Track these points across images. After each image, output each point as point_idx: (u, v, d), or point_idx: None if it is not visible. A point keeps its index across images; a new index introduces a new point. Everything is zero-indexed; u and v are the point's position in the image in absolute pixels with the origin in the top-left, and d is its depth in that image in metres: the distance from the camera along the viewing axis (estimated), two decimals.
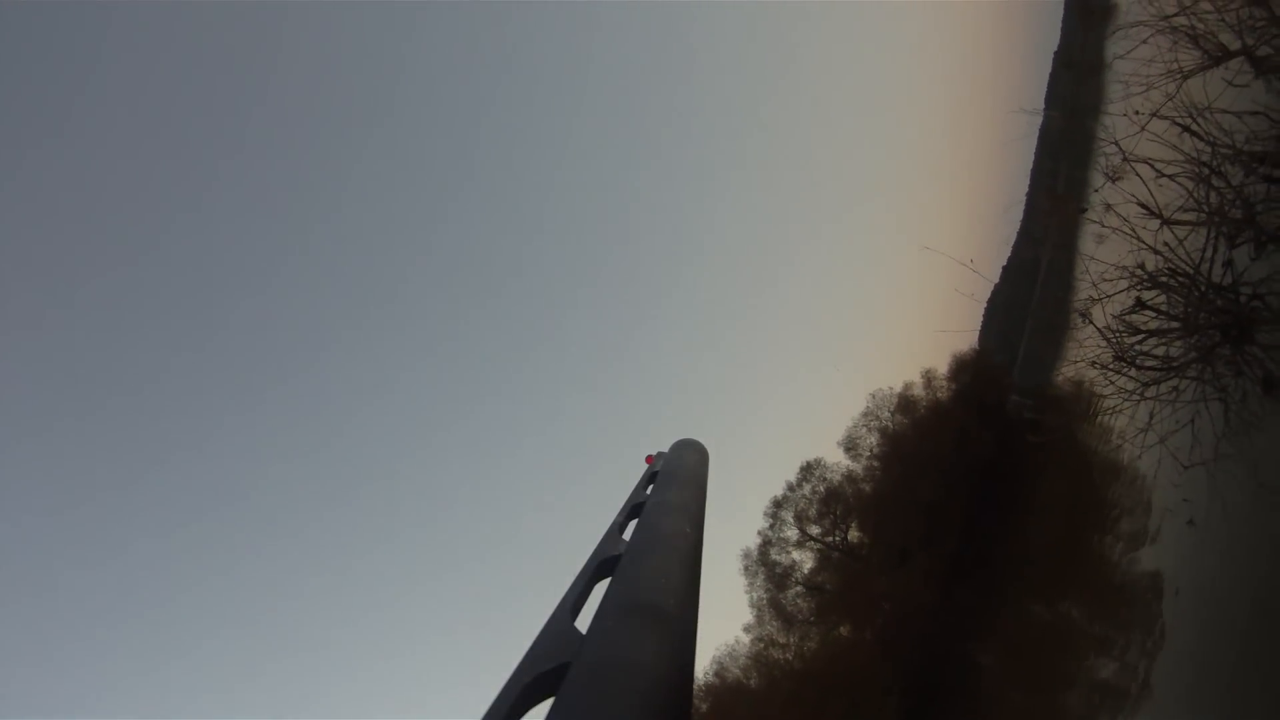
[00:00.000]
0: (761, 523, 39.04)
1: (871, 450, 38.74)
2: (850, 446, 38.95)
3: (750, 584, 38.07)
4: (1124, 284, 15.83)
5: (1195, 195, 14.38)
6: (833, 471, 39.32)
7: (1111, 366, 16.08)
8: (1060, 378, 32.47)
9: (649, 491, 2.53)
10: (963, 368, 38.60)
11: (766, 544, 38.60)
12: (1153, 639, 18.31)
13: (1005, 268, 48.73)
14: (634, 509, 2.38)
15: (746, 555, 38.44)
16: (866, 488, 38.38)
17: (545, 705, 1.30)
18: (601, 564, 1.96)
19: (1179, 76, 14.95)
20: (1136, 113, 15.34)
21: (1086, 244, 21.61)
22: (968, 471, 34.49)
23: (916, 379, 38.83)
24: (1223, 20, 14.47)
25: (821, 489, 39.23)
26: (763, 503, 39.26)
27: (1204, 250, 14.57)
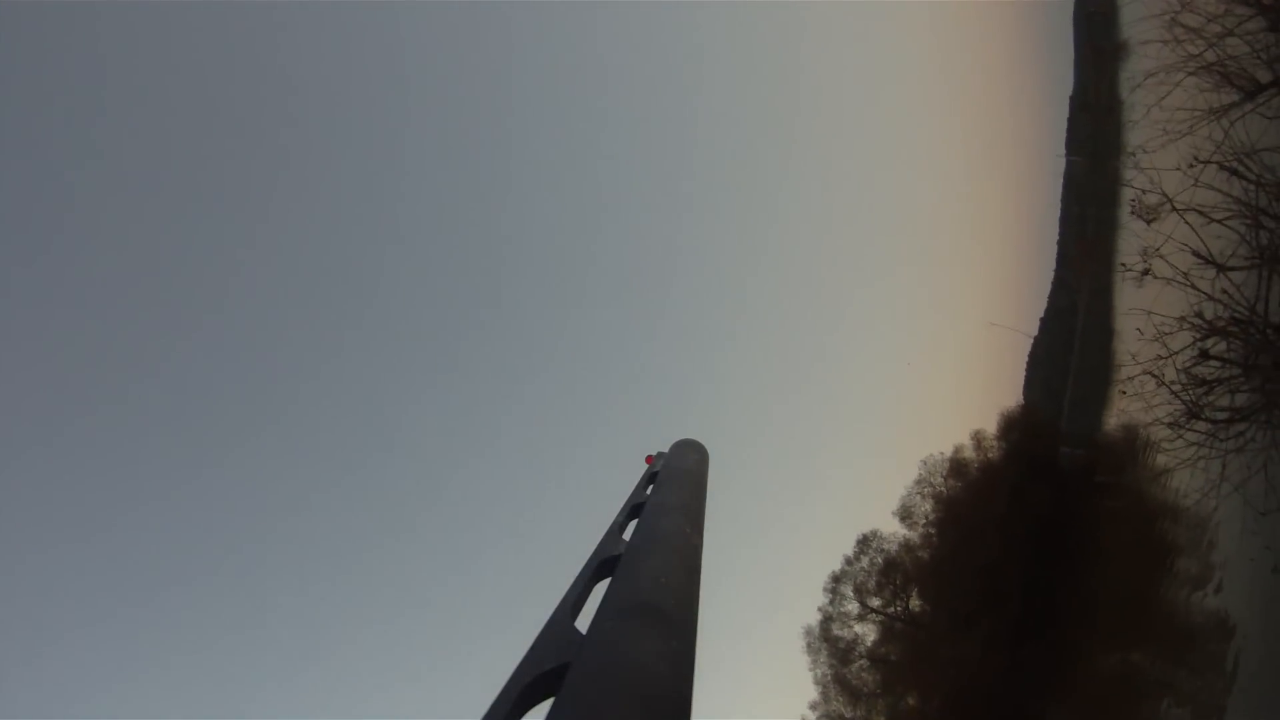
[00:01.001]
0: (821, 599, 38.42)
1: (927, 517, 38.15)
2: (905, 515, 38.35)
3: (814, 661, 37.62)
4: (1185, 335, 15.27)
5: (1246, 238, 13.93)
6: (889, 542, 38.75)
7: (1182, 424, 15.50)
8: (1109, 424, 31.98)
9: (649, 491, 2.56)
10: (1011, 425, 38.16)
11: (827, 620, 38.07)
12: (1223, 680, 17.96)
13: (1043, 318, 48.28)
14: (634, 509, 2.41)
15: (808, 633, 37.95)
16: (924, 555, 37.82)
17: (545, 705, 1.32)
18: (601, 564, 1.98)
19: (1216, 116, 14.52)
20: (1191, 165, 14.86)
21: (1124, 290, 21.17)
22: (1025, 529, 33.75)
23: (966, 441, 38.25)
24: (1256, 56, 14.07)
25: (880, 560, 38.72)
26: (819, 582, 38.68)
27: (1258, 290, 14.06)
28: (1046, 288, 47.88)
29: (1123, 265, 17.49)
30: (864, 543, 38.96)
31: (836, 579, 38.68)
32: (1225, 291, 14.44)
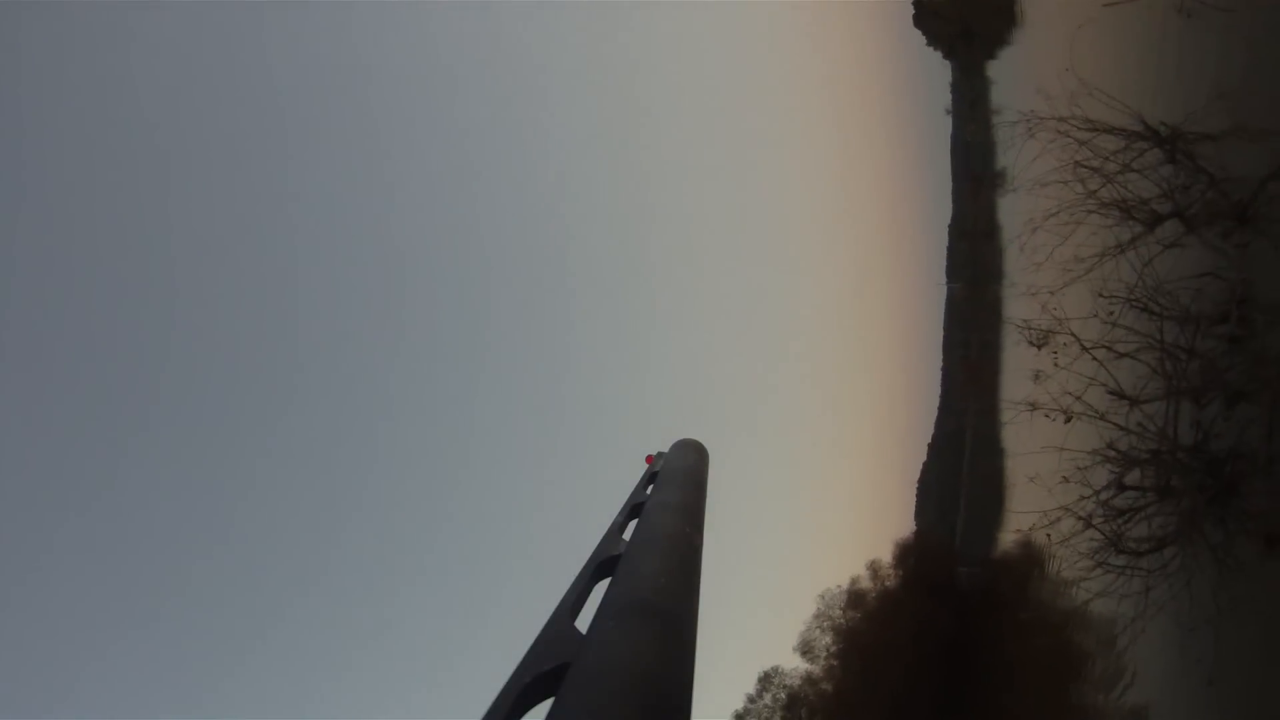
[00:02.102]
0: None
1: (828, 650, 37.99)
2: (806, 650, 38.29)
3: None
4: (1100, 470, 15.30)
5: (1155, 370, 14.03)
6: (790, 677, 38.42)
7: (1101, 560, 15.45)
8: (1005, 541, 32.14)
9: (649, 491, 2.52)
10: (906, 552, 38.40)
11: None
12: None
13: (930, 443, 48.94)
14: (634, 509, 2.37)
15: None
16: (828, 687, 37.55)
17: (545, 705, 1.30)
18: (601, 564, 1.94)
19: (1121, 251, 14.69)
20: (1110, 314, 15.02)
21: (1013, 420, 21.36)
22: (929, 653, 33.62)
23: (862, 571, 38.39)
24: (1158, 189, 14.29)
25: (783, 695, 38.36)
26: None
27: (1166, 414, 14.10)
28: (933, 414, 48.81)
29: (1032, 405, 17.52)
30: (765, 679, 38.72)
31: (739, 717, 38.33)
32: (1139, 424, 14.49)
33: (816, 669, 38.15)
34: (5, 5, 49.77)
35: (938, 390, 48.26)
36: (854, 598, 38.05)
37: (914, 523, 44.55)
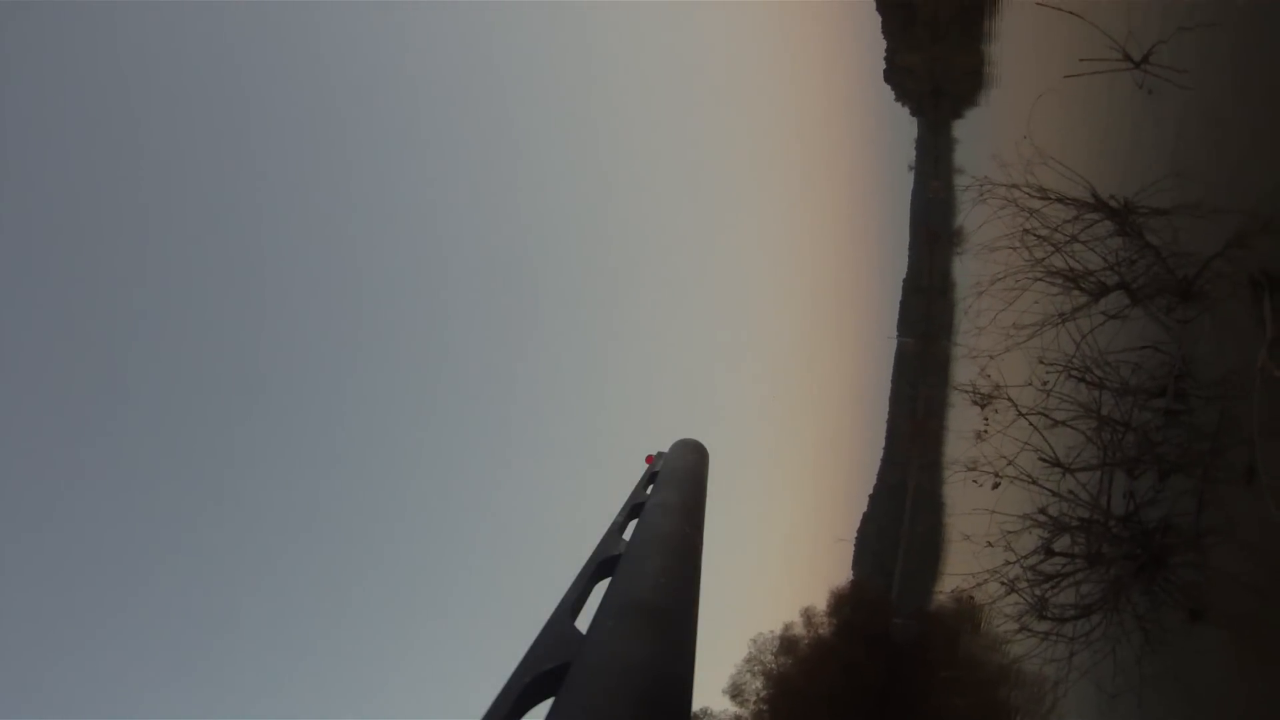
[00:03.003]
0: None
1: (758, 694, 38.06)
2: (736, 693, 38.41)
3: None
4: (1029, 535, 15.41)
5: (1091, 439, 14.20)
6: None
7: (1025, 624, 15.54)
8: (940, 595, 32.33)
9: (649, 491, 2.52)
10: (841, 600, 38.55)
11: None
12: None
13: (872, 494, 49.10)
14: (634, 509, 2.38)
15: None
16: None
17: (545, 705, 1.28)
18: (601, 564, 1.94)
19: (1063, 320, 14.83)
20: (1044, 383, 15.20)
21: (951, 478, 21.51)
22: (860, 703, 33.76)
23: (796, 618, 38.59)
24: (1104, 260, 14.45)
25: None
26: None
27: (1100, 482, 14.25)
28: (877, 465, 49.12)
29: (970, 466, 17.62)
30: None
31: None
32: (1071, 491, 14.63)
33: (745, 713, 38.26)
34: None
35: (882, 442, 48.60)
36: (786, 643, 38.24)
37: (851, 571, 44.89)
